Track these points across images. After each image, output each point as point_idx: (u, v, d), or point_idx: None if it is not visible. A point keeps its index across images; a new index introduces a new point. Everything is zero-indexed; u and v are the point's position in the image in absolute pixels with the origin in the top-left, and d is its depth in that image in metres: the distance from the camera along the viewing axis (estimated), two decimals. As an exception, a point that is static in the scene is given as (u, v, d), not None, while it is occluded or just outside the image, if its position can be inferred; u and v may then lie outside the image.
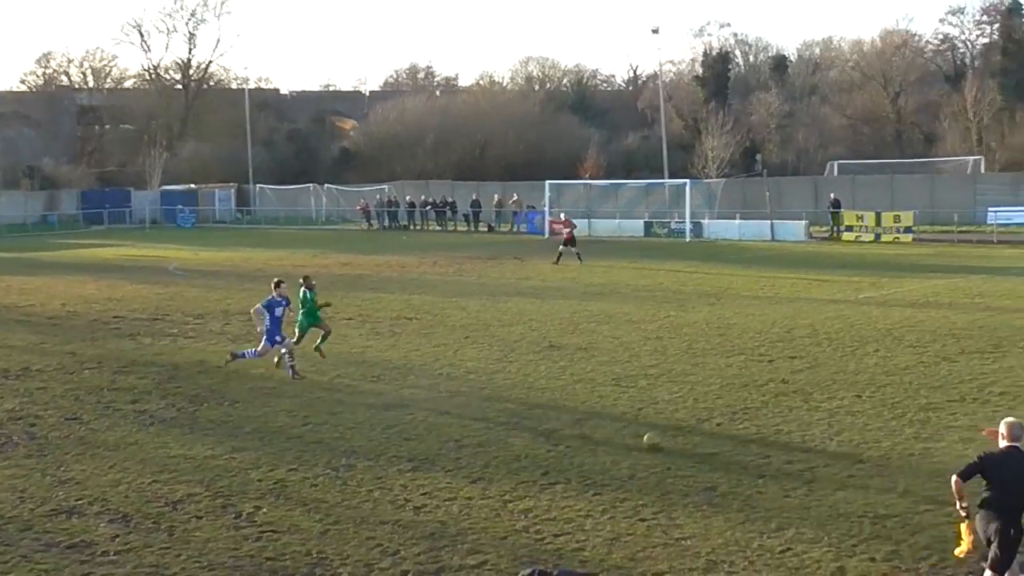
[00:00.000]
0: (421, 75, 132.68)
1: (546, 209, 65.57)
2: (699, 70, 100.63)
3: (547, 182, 67.76)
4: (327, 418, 18.39)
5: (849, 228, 57.76)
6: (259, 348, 22.49)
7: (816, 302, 32.19)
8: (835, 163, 77.25)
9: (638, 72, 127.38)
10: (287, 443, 16.80)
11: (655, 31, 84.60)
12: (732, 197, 66.82)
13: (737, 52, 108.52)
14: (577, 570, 11.21)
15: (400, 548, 12.05)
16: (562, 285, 37.95)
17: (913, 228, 55.67)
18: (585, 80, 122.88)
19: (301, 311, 23.58)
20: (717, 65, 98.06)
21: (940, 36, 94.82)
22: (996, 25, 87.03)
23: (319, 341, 23.65)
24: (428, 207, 74.54)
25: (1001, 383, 20.12)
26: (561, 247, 46.31)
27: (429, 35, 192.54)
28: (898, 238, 54.97)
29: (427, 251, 54.10)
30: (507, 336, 26.85)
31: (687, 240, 60.12)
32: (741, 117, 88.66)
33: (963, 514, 10.07)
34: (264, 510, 13.50)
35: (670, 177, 71.84)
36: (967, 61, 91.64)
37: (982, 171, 71.01)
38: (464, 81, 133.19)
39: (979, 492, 10.07)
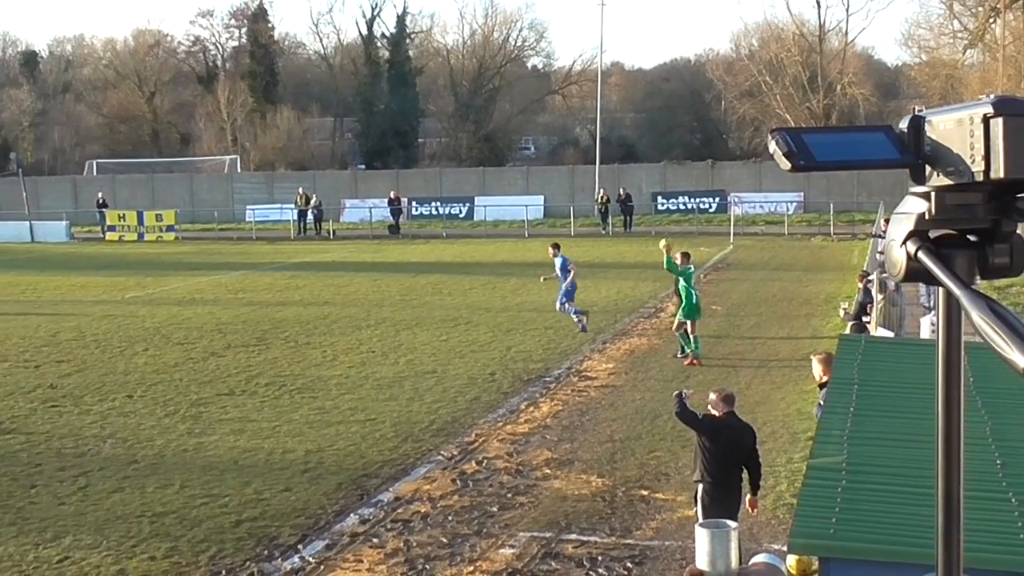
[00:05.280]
0: None
1: None
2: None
3: None
4: None
5: (112, 228, 57.17)
6: None
7: (82, 303, 31.58)
8: (94, 162, 75.92)
9: None
10: None
11: None
12: (-15, 198, 63.52)
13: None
14: None
15: None
16: None
17: (176, 226, 56.35)
18: None
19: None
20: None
21: (192, 38, 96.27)
22: (244, 29, 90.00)
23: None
24: None
25: (267, 374, 21.11)
26: None
27: None
28: (161, 237, 55.36)
29: None
30: None
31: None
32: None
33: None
34: None
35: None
36: (218, 63, 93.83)
37: (238, 170, 73.41)
38: None
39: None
